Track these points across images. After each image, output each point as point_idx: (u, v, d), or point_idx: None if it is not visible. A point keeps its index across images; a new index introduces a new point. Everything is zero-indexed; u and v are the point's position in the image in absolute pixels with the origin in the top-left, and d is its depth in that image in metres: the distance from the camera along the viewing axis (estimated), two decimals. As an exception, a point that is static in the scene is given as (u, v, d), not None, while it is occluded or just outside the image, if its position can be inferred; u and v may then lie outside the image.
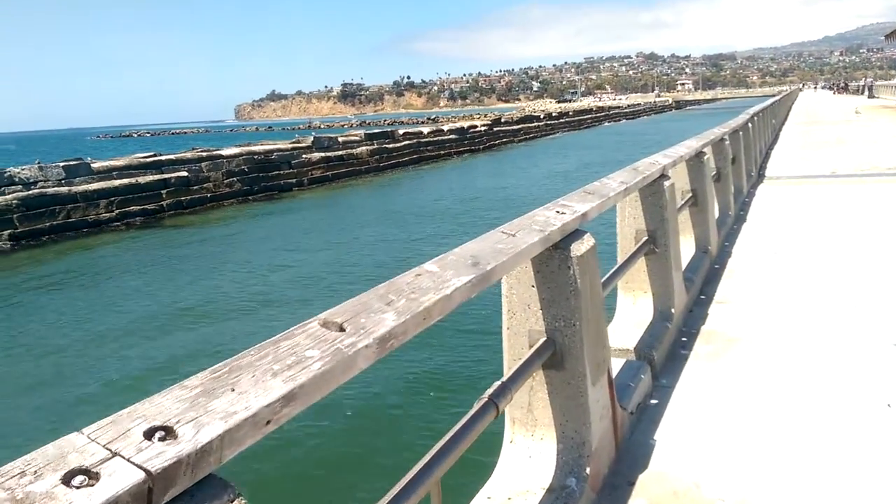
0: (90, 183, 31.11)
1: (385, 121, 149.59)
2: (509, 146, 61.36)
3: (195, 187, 34.92)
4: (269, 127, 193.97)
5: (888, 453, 2.62)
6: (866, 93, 56.83)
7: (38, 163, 30.69)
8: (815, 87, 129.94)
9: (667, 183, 3.97)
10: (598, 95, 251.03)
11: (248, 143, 45.65)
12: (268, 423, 0.97)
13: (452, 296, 1.51)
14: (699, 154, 5.54)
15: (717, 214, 6.94)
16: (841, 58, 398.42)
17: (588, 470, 2.31)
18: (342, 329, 1.20)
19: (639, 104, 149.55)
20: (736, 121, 9.18)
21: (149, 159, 36.34)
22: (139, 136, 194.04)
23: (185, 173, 34.94)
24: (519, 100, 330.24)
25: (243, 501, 0.93)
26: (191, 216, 30.60)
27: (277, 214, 28.53)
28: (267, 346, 1.11)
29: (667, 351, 3.70)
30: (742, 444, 2.75)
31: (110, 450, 0.84)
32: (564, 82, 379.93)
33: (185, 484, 0.86)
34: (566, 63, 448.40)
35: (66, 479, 0.78)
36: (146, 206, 31.83)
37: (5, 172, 28.54)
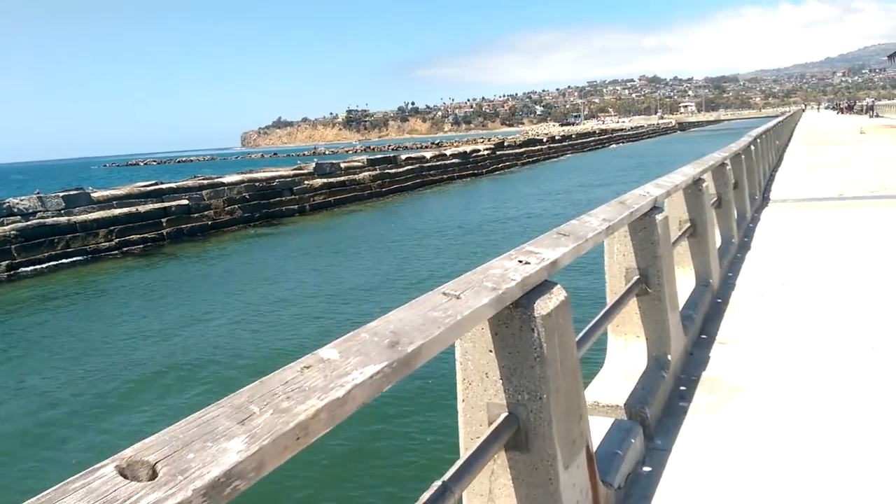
0: (90, 212, 31.01)
1: (389, 146, 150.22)
2: (512, 170, 61.21)
3: (196, 215, 34.82)
4: (275, 154, 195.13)
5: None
6: (870, 112, 56.63)
7: (38, 193, 30.61)
8: (819, 108, 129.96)
9: (659, 216, 3.60)
10: (602, 118, 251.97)
11: (251, 171, 45.69)
12: None
13: (349, 397, 1.14)
14: (697, 181, 5.18)
15: (719, 243, 6.56)
16: (844, 78, 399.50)
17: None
18: (153, 475, 0.83)
19: (642, 126, 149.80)
20: (738, 144, 8.82)
21: (150, 188, 36.30)
22: (146, 164, 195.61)
23: (185, 201, 34.86)
24: (523, 123, 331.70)
25: None
26: (188, 244, 30.38)
27: (273, 242, 28.25)
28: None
29: (662, 405, 3.29)
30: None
31: None
32: (568, 106, 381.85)
33: None
34: (569, 87, 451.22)
35: None
36: (146, 235, 31.68)
37: (4, 203, 28.44)
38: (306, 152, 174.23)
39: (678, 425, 3.14)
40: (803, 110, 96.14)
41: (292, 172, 43.25)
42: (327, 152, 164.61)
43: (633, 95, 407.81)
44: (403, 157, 52.62)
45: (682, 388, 3.55)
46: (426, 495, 1.61)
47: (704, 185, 5.31)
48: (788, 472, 2.68)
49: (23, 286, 22.51)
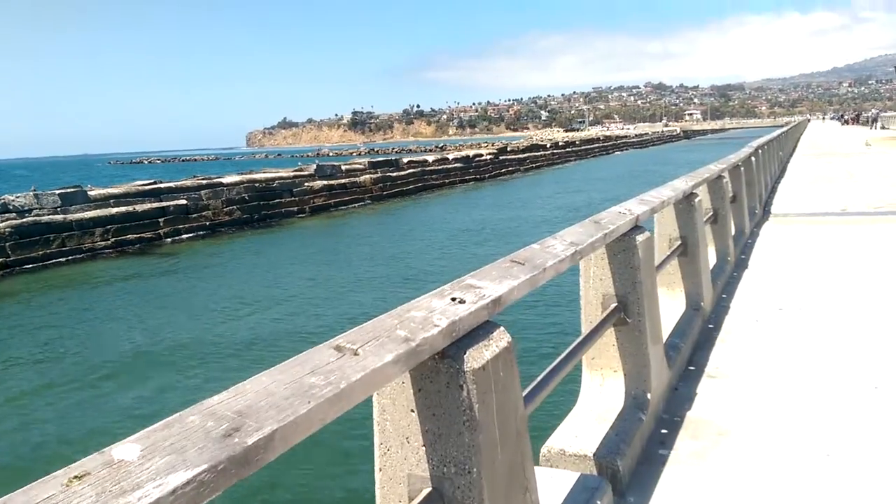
0: (86, 211, 30.77)
1: (393, 149, 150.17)
2: (515, 175, 60.86)
3: (194, 215, 34.60)
4: (279, 154, 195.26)
5: None
6: (876, 124, 56.20)
7: (34, 190, 30.35)
8: (824, 118, 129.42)
9: (640, 237, 3.24)
10: (606, 125, 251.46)
11: (251, 171, 45.45)
12: None
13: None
14: (689, 196, 4.82)
15: (714, 261, 6.20)
16: (850, 89, 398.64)
17: None
18: None
19: (646, 134, 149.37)
20: (737, 155, 8.46)
21: (147, 187, 36.11)
22: (150, 162, 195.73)
23: (184, 201, 34.65)
24: (527, 128, 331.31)
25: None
26: (183, 244, 30.14)
27: (268, 245, 27.91)
28: None
29: (639, 453, 2.93)
30: None
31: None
32: (573, 111, 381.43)
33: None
34: (574, 92, 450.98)
35: None
36: (143, 235, 31.45)
37: (-1, 200, 28.20)
38: (310, 153, 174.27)
39: (656, 477, 2.78)
40: (808, 121, 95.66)
41: (292, 174, 43.03)
42: (331, 154, 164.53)
43: (639, 102, 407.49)
44: (405, 160, 52.36)
45: (664, 430, 3.19)
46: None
47: (697, 199, 4.95)
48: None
49: (18, 281, 22.27)
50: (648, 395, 3.18)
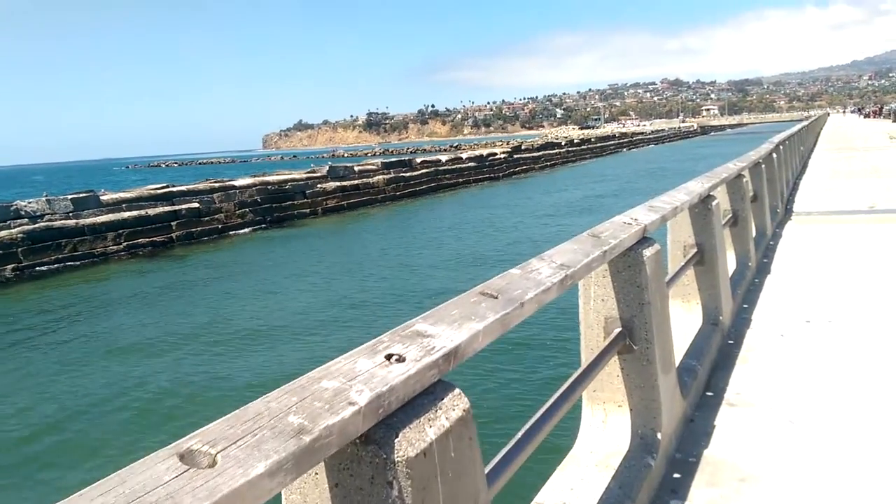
0: (98, 215, 30.78)
1: (408, 149, 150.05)
2: (529, 174, 60.25)
3: (206, 218, 34.57)
4: (294, 156, 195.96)
5: None
6: (894, 116, 54.90)
7: (46, 195, 30.39)
8: (844, 112, 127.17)
9: (648, 251, 2.80)
10: (622, 122, 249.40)
11: (265, 173, 45.36)
12: None
13: None
14: (706, 199, 4.36)
15: (733, 267, 5.73)
16: (870, 82, 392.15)
17: None
18: None
19: (663, 130, 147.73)
20: (757, 152, 7.94)
21: (160, 191, 36.15)
22: (167, 166, 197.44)
23: (196, 204, 34.62)
24: (542, 126, 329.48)
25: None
26: (198, 246, 30.12)
27: (280, 246, 27.70)
28: None
29: (646, 507, 2.50)
30: None
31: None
32: (588, 109, 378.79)
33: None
34: (590, 90, 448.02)
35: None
36: (155, 238, 31.43)
37: (11, 206, 28.24)
38: (325, 154, 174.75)
39: (665, 538, 2.34)
40: (829, 114, 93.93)
41: (305, 176, 42.89)
42: (346, 154, 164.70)
43: (655, 98, 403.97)
44: (418, 160, 52.01)
45: (676, 475, 2.75)
46: None
47: (715, 202, 4.49)
48: None
49: (29, 287, 22.30)
50: (658, 435, 2.74)
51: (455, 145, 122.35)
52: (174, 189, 36.47)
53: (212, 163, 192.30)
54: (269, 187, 38.84)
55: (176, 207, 33.87)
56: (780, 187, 9.84)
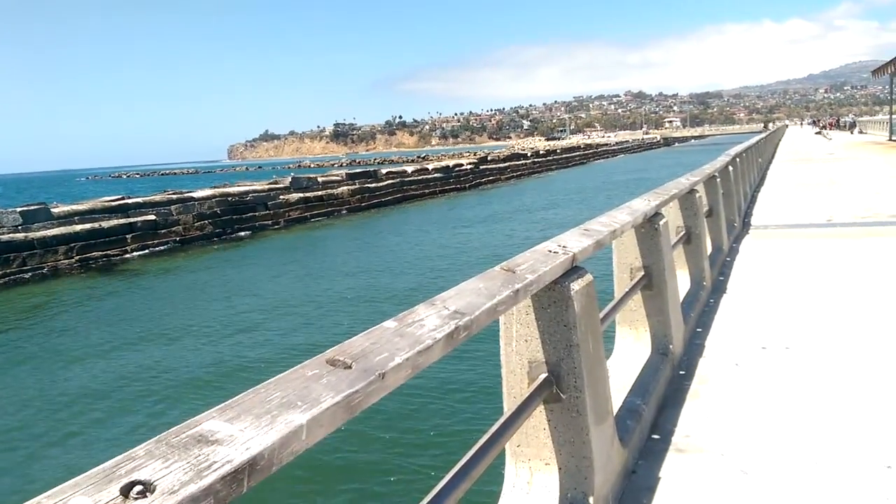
0: (49, 228, 29.67)
1: (376, 159, 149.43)
2: (496, 185, 60.21)
3: (163, 231, 33.62)
4: (260, 167, 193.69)
5: None
6: (854, 129, 56.35)
7: (-7, 208, 29.21)
8: (802, 124, 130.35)
9: (577, 284, 2.42)
10: (587, 133, 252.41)
11: (226, 184, 44.45)
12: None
13: None
14: (653, 218, 4.02)
15: (688, 287, 5.42)
16: (826, 95, 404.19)
17: None
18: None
19: (627, 141, 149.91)
20: (712, 165, 7.70)
21: (115, 203, 35.10)
22: (129, 177, 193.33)
23: (153, 217, 33.67)
24: (510, 138, 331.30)
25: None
26: (151, 261, 29.16)
27: (234, 261, 26.93)
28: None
29: None
30: None
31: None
32: (554, 120, 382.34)
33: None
34: (556, 102, 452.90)
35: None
36: (108, 252, 30.40)
37: (-44, 219, 27.06)
38: (292, 165, 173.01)
39: None
40: (787, 126, 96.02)
41: (267, 187, 42.15)
42: (313, 165, 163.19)
43: (619, 110, 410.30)
44: (384, 171, 51.59)
45: (610, 547, 2.37)
46: None
47: (663, 221, 4.15)
48: None
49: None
50: (590, 500, 2.35)
51: (423, 156, 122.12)
52: (130, 201, 35.46)
53: (175, 174, 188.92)
54: (229, 199, 38.01)
55: (132, 220, 32.90)
56: (737, 200, 9.65)
